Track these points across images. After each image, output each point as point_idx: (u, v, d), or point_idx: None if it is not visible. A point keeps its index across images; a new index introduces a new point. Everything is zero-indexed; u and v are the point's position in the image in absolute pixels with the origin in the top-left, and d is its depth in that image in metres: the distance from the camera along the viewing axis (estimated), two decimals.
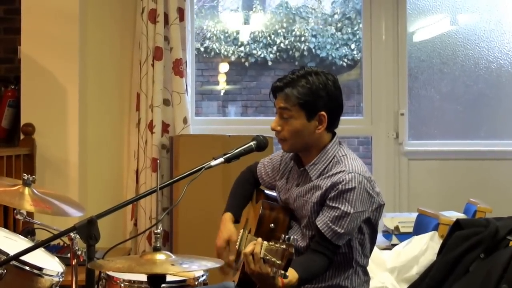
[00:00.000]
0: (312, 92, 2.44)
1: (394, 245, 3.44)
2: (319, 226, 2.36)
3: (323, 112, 2.44)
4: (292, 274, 2.21)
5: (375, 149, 4.46)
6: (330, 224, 2.34)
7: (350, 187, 2.34)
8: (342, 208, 2.34)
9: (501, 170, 4.40)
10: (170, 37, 4.07)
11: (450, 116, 4.61)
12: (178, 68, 4.07)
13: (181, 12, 4.08)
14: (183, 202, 2.83)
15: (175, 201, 3.94)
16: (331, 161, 2.44)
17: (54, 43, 3.94)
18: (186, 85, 4.13)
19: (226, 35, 4.98)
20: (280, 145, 2.52)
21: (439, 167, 4.43)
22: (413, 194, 4.36)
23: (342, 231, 2.33)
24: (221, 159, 2.37)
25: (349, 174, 2.36)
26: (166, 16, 4.06)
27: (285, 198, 2.56)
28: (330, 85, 2.47)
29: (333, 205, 2.35)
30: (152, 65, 4.06)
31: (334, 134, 2.53)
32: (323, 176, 2.42)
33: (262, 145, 2.48)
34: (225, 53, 5.01)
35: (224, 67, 5.09)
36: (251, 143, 2.47)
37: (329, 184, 2.38)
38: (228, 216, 2.66)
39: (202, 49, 4.89)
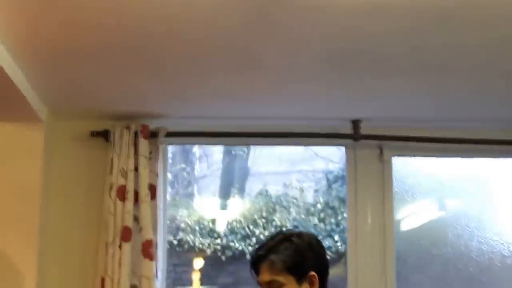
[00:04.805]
0: (298, 253, 2.32)
1: None
2: None
3: (312, 273, 2.30)
4: None
5: None
6: None
7: None
8: None
9: None
10: (140, 216, 3.81)
11: None
12: (148, 250, 3.75)
13: (153, 189, 3.85)
14: None
15: None
16: None
17: (11, 221, 3.62)
18: (156, 269, 3.78)
19: (202, 226, 4.76)
20: None
21: None
22: None
23: None
24: None
25: None
26: (136, 193, 3.83)
27: None
28: (315, 244, 2.38)
29: None
30: (120, 246, 3.74)
31: None
32: None
33: None
34: (200, 246, 4.74)
35: (198, 263, 4.79)
36: None
37: None
38: None
39: (175, 242, 4.63)
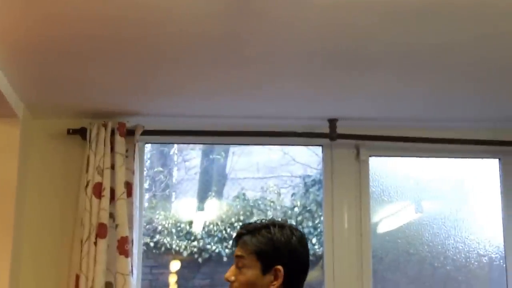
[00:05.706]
0: (271, 243, 2.28)
1: None
2: None
3: (279, 267, 2.26)
4: None
5: None
6: None
7: None
8: None
9: None
10: (116, 213, 3.78)
11: None
12: (123, 247, 3.72)
13: (129, 186, 3.82)
14: None
15: None
16: None
17: None
18: (132, 266, 3.75)
19: (179, 228, 4.72)
20: None
21: None
22: None
23: None
24: None
25: None
26: (112, 191, 3.80)
27: None
28: (294, 240, 2.32)
29: None
30: (95, 243, 3.71)
31: None
32: None
33: None
34: (177, 248, 4.71)
35: (175, 265, 4.75)
36: None
37: None
38: None
39: (152, 244, 4.59)
